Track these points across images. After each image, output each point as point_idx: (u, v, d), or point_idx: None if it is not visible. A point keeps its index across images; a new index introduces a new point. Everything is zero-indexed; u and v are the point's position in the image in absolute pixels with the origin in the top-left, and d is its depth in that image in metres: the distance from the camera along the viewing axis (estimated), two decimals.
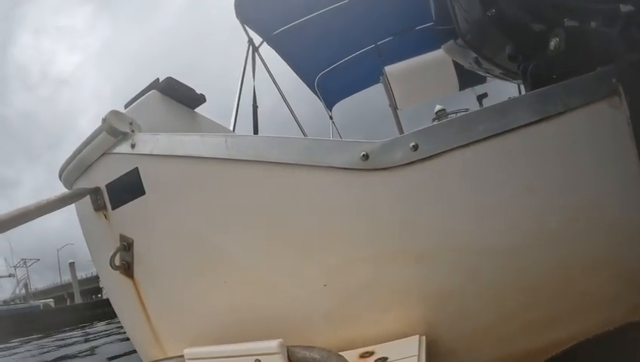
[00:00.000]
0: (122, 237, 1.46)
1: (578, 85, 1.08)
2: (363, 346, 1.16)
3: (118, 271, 1.48)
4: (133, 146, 1.40)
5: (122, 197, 1.45)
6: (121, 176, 1.43)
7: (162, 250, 1.41)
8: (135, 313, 1.53)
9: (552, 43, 1.19)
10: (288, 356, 1.07)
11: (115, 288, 1.63)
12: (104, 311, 24.80)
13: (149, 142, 1.37)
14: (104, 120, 1.41)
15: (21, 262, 39.66)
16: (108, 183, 1.48)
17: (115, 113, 1.43)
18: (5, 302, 34.00)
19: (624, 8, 1.00)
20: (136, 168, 1.39)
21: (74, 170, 1.61)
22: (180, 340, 1.40)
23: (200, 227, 1.33)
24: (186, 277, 1.38)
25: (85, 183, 1.56)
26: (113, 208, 1.48)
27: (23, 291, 38.38)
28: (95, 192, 1.51)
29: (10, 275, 38.89)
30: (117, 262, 1.47)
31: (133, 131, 1.44)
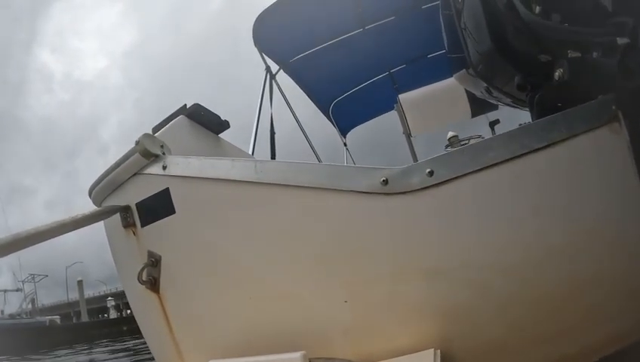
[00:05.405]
0: (150, 254, 1.53)
1: (581, 113, 1.15)
2: (381, 359, 1.20)
3: (143, 286, 1.54)
4: (164, 168, 1.48)
5: (152, 215, 1.52)
6: (152, 196, 1.51)
7: (190, 267, 1.47)
8: (158, 326, 1.58)
9: (557, 73, 1.27)
10: None
11: (139, 302, 1.69)
12: (111, 330, 24.63)
13: (180, 165, 1.45)
14: (137, 142, 1.50)
15: (29, 277, 39.50)
16: (138, 202, 1.56)
17: (147, 136, 1.53)
18: (12, 316, 33.81)
19: (621, 41, 1.08)
20: (167, 188, 1.47)
21: (104, 188, 1.69)
22: (201, 353, 1.44)
23: (228, 245, 1.39)
24: (212, 292, 1.43)
25: (115, 201, 1.63)
26: (142, 225, 1.55)
27: (30, 306, 38.13)
28: (125, 210, 1.58)
29: (17, 290, 38.71)
30: (144, 277, 1.52)
31: (164, 154, 1.53)
